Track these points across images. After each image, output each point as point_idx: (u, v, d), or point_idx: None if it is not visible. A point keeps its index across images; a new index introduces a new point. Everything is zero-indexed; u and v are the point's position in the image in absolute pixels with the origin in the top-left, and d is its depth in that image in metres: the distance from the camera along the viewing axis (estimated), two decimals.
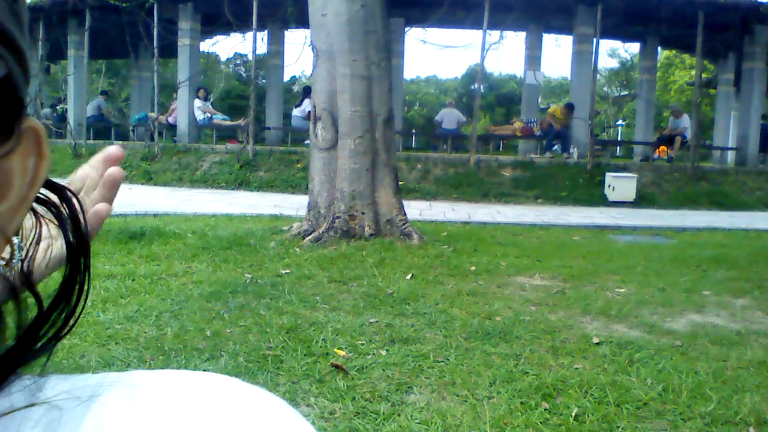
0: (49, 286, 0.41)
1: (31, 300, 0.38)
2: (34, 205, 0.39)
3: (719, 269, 5.77)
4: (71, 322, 0.39)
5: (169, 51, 14.86)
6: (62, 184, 0.41)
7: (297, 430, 0.36)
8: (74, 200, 0.41)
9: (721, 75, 16.87)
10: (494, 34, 13.61)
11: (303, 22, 7.49)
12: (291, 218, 7.86)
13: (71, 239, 0.41)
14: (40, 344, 0.38)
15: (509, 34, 15.80)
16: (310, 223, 6.76)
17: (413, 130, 23.42)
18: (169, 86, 18.44)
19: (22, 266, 0.40)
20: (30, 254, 0.41)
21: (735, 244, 7.44)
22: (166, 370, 0.38)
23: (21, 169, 0.33)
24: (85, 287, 0.41)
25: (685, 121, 14.15)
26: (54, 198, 0.41)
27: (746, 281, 5.29)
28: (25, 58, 0.32)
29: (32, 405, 0.34)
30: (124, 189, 11.26)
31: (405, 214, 6.74)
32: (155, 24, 12.80)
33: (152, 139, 13.70)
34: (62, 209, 0.41)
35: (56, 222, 0.41)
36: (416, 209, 9.21)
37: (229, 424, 0.34)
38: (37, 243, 0.41)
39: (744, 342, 3.65)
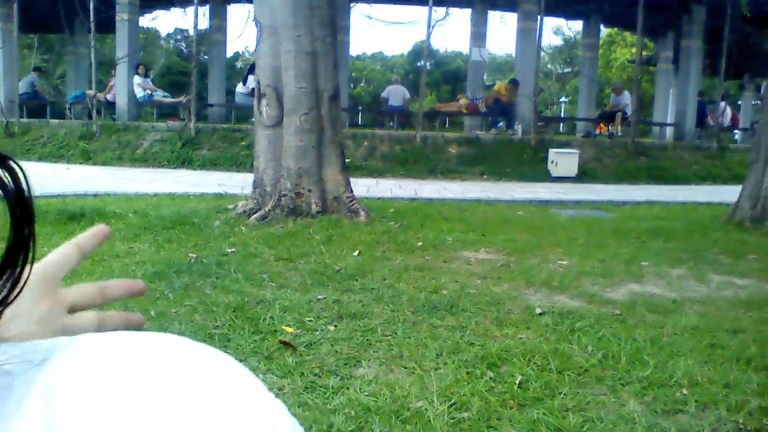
0: None
1: None
2: None
3: (657, 241, 5.97)
4: (16, 289, 0.39)
5: (106, 26, 14.34)
6: (4, 152, 0.40)
7: (243, 383, 0.36)
8: (16, 168, 0.40)
9: (661, 52, 17.31)
10: (440, 11, 13.59)
11: None
12: (236, 197, 7.76)
13: (15, 207, 0.40)
14: None
15: (455, 11, 15.79)
16: (255, 201, 6.69)
17: (359, 107, 23.32)
18: (107, 62, 17.88)
19: None
20: None
21: (672, 216, 7.70)
22: (115, 332, 0.38)
23: None
24: (30, 255, 0.40)
25: (626, 98, 14.50)
26: None
27: (683, 252, 5.49)
28: None
29: None
30: (62, 169, 10.94)
31: (352, 191, 6.73)
32: None
33: (90, 117, 13.27)
34: (4, 178, 0.40)
35: None
36: (363, 186, 9.21)
37: (177, 381, 0.35)
38: None
39: (679, 309, 3.79)
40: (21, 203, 0.40)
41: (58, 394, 0.33)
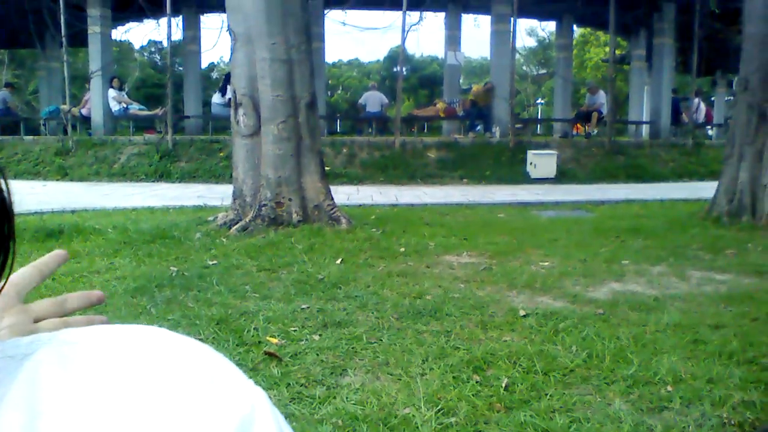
0: None
1: None
2: None
3: (637, 239, 6.02)
4: None
5: (79, 39, 14.21)
6: None
7: (222, 370, 0.37)
8: None
9: (634, 51, 17.51)
10: (414, 15, 13.65)
11: (219, 5, 7.32)
12: (216, 208, 7.72)
13: None
14: None
15: (429, 15, 15.88)
16: (236, 212, 6.66)
17: (337, 114, 23.33)
18: (80, 77, 17.69)
19: None
20: None
21: (651, 214, 7.78)
22: (95, 326, 0.39)
23: None
24: (10, 257, 0.41)
25: (601, 97, 14.63)
26: None
27: (662, 249, 5.54)
28: None
29: None
30: (38, 186, 10.80)
31: (332, 199, 6.72)
32: (62, 10, 12.20)
33: (65, 132, 13.12)
34: None
35: None
36: (344, 194, 9.20)
37: (157, 370, 0.35)
38: None
39: (661, 307, 3.83)
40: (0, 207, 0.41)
41: (42, 387, 0.34)
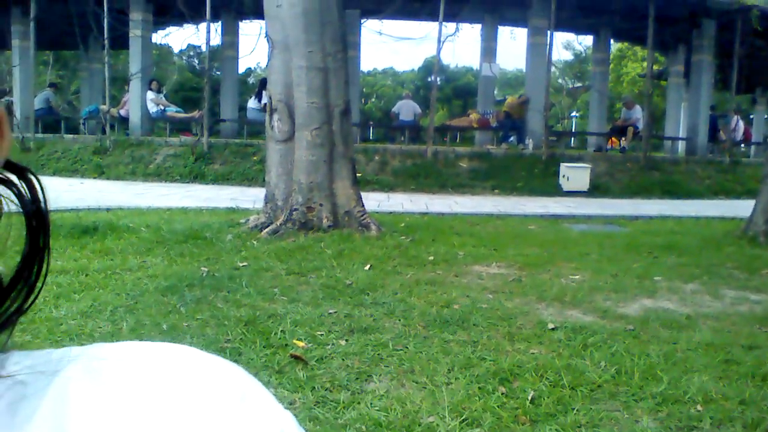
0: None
1: None
2: None
3: (670, 256, 5.93)
4: (31, 298, 0.40)
5: (120, 42, 14.51)
6: (22, 164, 0.41)
7: (253, 394, 0.37)
8: (34, 180, 0.42)
9: (672, 67, 17.27)
10: (450, 26, 13.66)
11: (258, 12, 7.41)
12: (248, 211, 7.79)
13: (31, 219, 0.41)
14: (1, 320, 0.38)
15: (465, 27, 15.86)
16: (267, 215, 6.71)
17: (370, 122, 23.42)
18: (120, 78, 18.04)
19: None
20: None
21: (685, 231, 7.65)
22: (127, 342, 0.39)
23: None
24: (45, 265, 0.41)
25: (637, 112, 14.46)
26: (14, 178, 0.41)
27: (696, 267, 5.45)
28: None
29: None
30: (75, 183, 11.02)
31: (363, 206, 6.74)
32: (105, 14, 12.47)
33: (104, 132, 13.39)
34: (22, 188, 0.41)
35: (16, 201, 0.41)
36: (374, 201, 9.22)
37: (188, 393, 0.35)
38: None
39: (693, 325, 3.76)
40: (37, 215, 0.41)
41: (70, 406, 0.34)
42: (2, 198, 0.41)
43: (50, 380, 0.35)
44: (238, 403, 0.36)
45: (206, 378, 0.36)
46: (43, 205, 0.41)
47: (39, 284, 0.41)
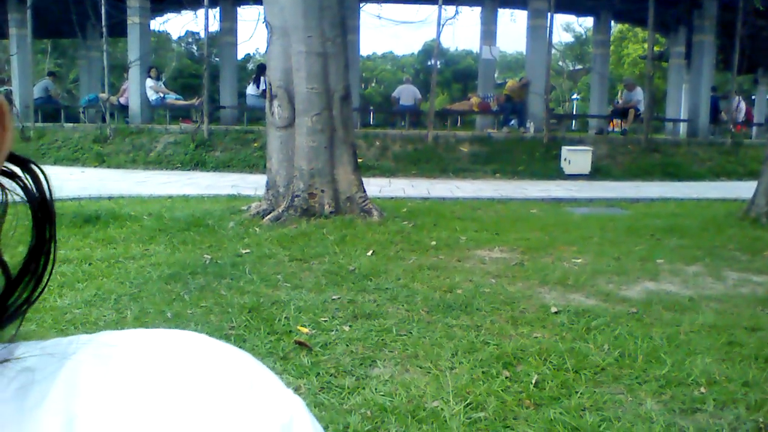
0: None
1: None
2: None
3: (672, 238, 5.93)
4: (39, 289, 0.40)
5: (118, 30, 14.44)
6: (26, 156, 0.41)
7: (262, 379, 0.37)
8: (38, 171, 0.42)
9: (673, 48, 17.18)
10: (450, 10, 13.57)
11: None
12: (249, 198, 7.79)
13: (37, 210, 0.42)
14: (9, 312, 0.38)
15: (464, 9, 15.74)
16: (269, 202, 6.71)
17: (371, 107, 23.33)
18: (119, 66, 17.96)
19: None
20: None
21: (687, 213, 7.65)
22: (135, 329, 0.39)
23: None
24: (51, 256, 0.41)
25: (638, 94, 14.40)
26: (17, 170, 0.41)
27: (698, 249, 5.45)
28: None
29: (6, 361, 0.35)
30: (76, 172, 11.02)
31: (365, 191, 6.74)
32: (103, 1, 12.40)
33: (104, 120, 13.36)
34: (27, 181, 0.41)
35: (22, 194, 0.41)
36: (376, 186, 9.21)
37: (197, 378, 0.35)
38: (4, 214, 0.41)
39: (696, 307, 3.77)
40: (43, 206, 0.41)
41: (80, 390, 0.34)
42: (7, 190, 0.41)
43: (60, 365, 0.35)
44: (248, 389, 0.36)
45: (215, 364, 0.37)
46: (48, 196, 0.41)
47: (46, 275, 0.41)
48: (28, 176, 0.41)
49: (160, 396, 0.34)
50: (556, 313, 3.60)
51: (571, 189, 10.17)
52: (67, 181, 9.48)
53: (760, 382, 2.61)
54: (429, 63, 35.14)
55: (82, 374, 0.35)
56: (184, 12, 17.19)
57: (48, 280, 0.41)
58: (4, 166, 0.39)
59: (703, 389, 2.57)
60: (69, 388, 0.34)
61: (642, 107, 14.02)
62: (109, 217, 6.15)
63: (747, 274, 4.66)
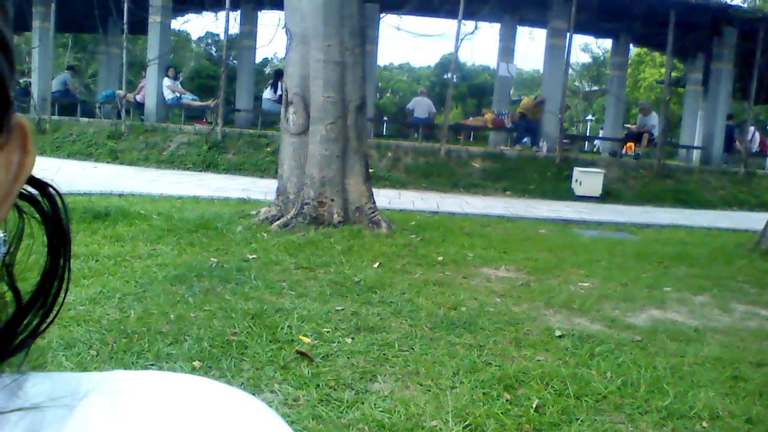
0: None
1: (9, 295, 0.38)
2: (17, 200, 0.39)
3: (680, 266, 5.89)
4: (49, 318, 0.39)
5: (139, 27, 14.56)
6: (45, 180, 0.40)
7: (271, 428, 0.37)
8: (56, 196, 0.41)
9: (690, 74, 17.13)
10: (469, 25, 13.64)
11: (277, 3, 7.41)
12: (259, 202, 7.81)
13: (52, 235, 0.41)
14: (18, 341, 0.38)
15: (484, 25, 15.83)
16: (278, 208, 6.72)
17: (385, 118, 23.38)
18: (138, 64, 18.10)
19: (4, 260, 0.40)
20: (12, 249, 0.40)
21: (697, 241, 7.60)
22: (147, 372, 0.38)
23: (6, 164, 0.33)
24: (65, 284, 0.40)
25: (654, 119, 14.36)
26: (36, 192, 0.41)
27: (706, 279, 5.41)
28: (12, 54, 0.32)
29: (18, 410, 0.34)
30: (89, 167, 11.08)
31: (374, 203, 6.74)
32: None
33: (119, 117, 13.45)
34: (43, 205, 0.40)
35: (38, 217, 0.41)
36: (385, 197, 9.21)
37: (210, 426, 0.35)
38: (20, 238, 0.40)
39: (701, 338, 3.74)
40: (58, 230, 0.40)
41: None
42: (25, 215, 0.41)
43: (70, 409, 0.35)
44: None
45: (228, 413, 0.36)
46: (64, 220, 0.41)
47: (57, 305, 0.40)
48: (46, 200, 0.41)
49: None
50: (560, 336, 3.58)
51: (581, 211, 10.13)
52: (79, 176, 9.53)
53: (764, 420, 2.58)
54: (445, 76, 35.18)
55: (93, 421, 0.34)
56: (205, 13, 17.30)
57: (60, 309, 0.40)
58: (24, 189, 0.38)
59: (705, 423, 2.54)
60: None
61: (656, 132, 13.98)
62: (119, 215, 6.17)
63: (755, 308, 4.62)
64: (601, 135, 19.99)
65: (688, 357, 3.34)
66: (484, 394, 2.71)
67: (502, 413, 2.53)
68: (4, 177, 0.33)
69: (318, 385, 2.70)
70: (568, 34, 13.24)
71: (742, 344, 3.70)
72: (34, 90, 15.02)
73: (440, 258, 5.48)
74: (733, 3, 14.31)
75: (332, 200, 6.47)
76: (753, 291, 5.16)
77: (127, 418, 0.34)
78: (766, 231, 7.06)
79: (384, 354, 3.13)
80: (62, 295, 0.40)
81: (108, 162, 12.24)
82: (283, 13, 7.04)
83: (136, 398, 0.36)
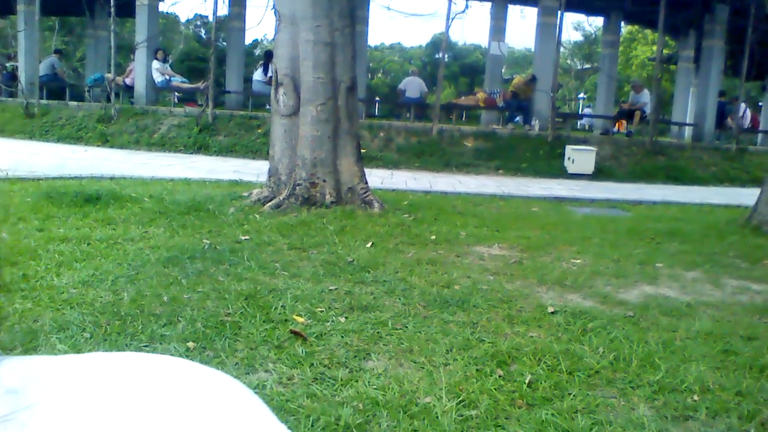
0: None
1: None
2: None
3: (672, 242, 5.92)
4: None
5: (126, 10, 14.38)
6: None
7: (253, 411, 0.37)
8: None
9: (682, 51, 17.12)
10: (460, 3, 13.57)
11: None
12: (251, 184, 7.78)
13: None
14: None
15: (474, 4, 15.74)
16: (270, 189, 6.70)
17: (376, 98, 23.29)
18: (126, 46, 17.94)
19: None
20: None
21: (688, 218, 7.63)
22: (123, 353, 0.38)
23: None
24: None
25: (645, 96, 14.37)
26: None
27: (698, 254, 5.44)
28: None
29: None
30: (79, 151, 11.01)
31: (366, 183, 6.73)
32: None
33: (109, 100, 13.34)
34: None
35: None
36: (378, 177, 9.20)
37: (187, 408, 0.35)
38: None
39: (693, 313, 3.76)
40: None
41: (66, 418, 0.33)
42: None
43: (45, 391, 0.34)
44: (237, 417, 0.35)
45: (202, 393, 0.36)
46: None
47: None
48: None
49: (148, 425, 0.33)
50: (552, 313, 3.60)
51: (573, 188, 10.15)
52: (70, 160, 9.48)
53: (754, 392, 2.61)
54: (437, 56, 35.02)
55: (69, 404, 0.34)
56: None
57: None
58: None
59: (696, 397, 2.56)
60: (55, 415, 0.33)
61: (648, 109, 13.98)
62: (110, 198, 6.14)
63: (746, 282, 4.65)
64: (591, 113, 19.97)
65: (680, 332, 3.36)
66: (477, 370, 2.73)
67: (495, 389, 2.54)
68: None
69: (312, 364, 2.71)
70: (559, 12, 13.18)
71: (733, 318, 3.72)
72: (22, 74, 14.88)
73: (433, 237, 5.49)
74: None
75: (324, 181, 6.45)
76: (744, 266, 5.19)
77: (104, 399, 0.34)
78: (758, 207, 7.09)
79: (378, 332, 3.14)
80: None
81: (98, 145, 12.16)
82: None
83: (110, 380, 0.35)
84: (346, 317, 3.33)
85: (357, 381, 2.57)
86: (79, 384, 0.35)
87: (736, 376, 2.78)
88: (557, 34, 13.38)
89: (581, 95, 35.09)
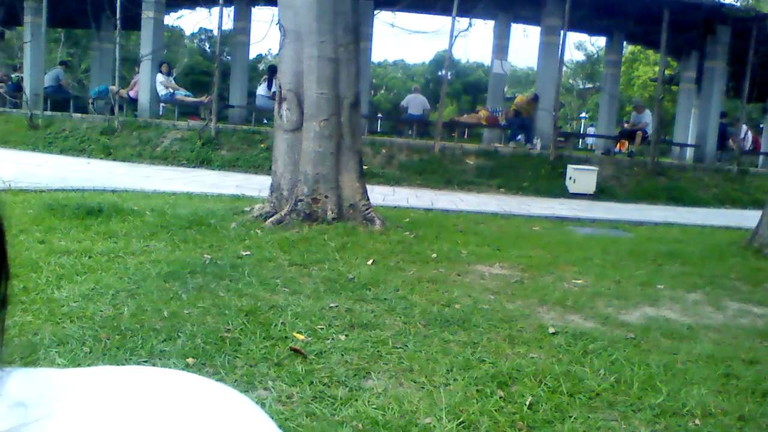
0: None
1: None
2: None
3: (674, 264, 5.90)
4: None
5: (132, 23, 14.50)
6: None
7: (262, 426, 0.37)
8: None
9: (684, 72, 17.19)
10: (463, 22, 13.60)
11: None
12: (253, 199, 7.79)
13: None
14: None
15: (478, 23, 15.82)
16: (272, 204, 6.70)
17: (379, 115, 23.37)
18: (131, 59, 18.02)
19: None
20: None
21: (690, 239, 7.62)
22: (131, 367, 0.38)
23: None
24: (4, 279, 0.39)
25: (647, 117, 14.41)
26: None
27: (699, 276, 5.42)
28: None
29: None
30: (82, 163, 11.03)
31: (368, 199, 6.73)
32: None
33: (112, 112, 13.40)
34: None
35: None
36: (380, 194, 9.21)
37: (197, 423, 0.35)
38: None
39: (694, 336, 3.75)
40: None
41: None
42: None
43: (54, 408, 0.34)
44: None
45: (209, 408, 0.36)
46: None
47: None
48: None
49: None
50: (553, 334, 3.58)
51: (574, 208, 10.15)
52: (73, 172, 9.50)
53: (756, 417, 2.59)
54: (439, 73, 35.21)
55: (76, 417, 0.34)
56: (198, 9, 17.24)
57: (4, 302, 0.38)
58: None
59: (697, 421, 2.55)
60: (66, 429, 0.33)
61: (650, 130, 14.02)
62: (112, 211, 6.14)
63: (747, 305, 4.64)
64: (594, 132, 20.02)
65: (681, 354, 3.35)
66: (477, 391, 2.71)
67: (495, 410, 2.53)
68: None
69: (312, 382, 2.70)
70: (562, 31, 13.25)
71: (734, 342, 3.71)
72: (27, 85, 14.95)
73: (434, 255, 5.48)
74: (727, 2, 14.36)
75: (326, 197, 6.45)
76: (745, 288, 5.17)
77: (110, 410, 0.34)
78: (759, 229, 7.09)
79: (378, 351, 3.13)
80: (2, 289, 0.38)
81: (101, 158, 12.19)
82: (276, 9, 7.01)
83: (119, 394, 0.35)
84: (346, 335, 3.32)
85: (356, 400, 2.55)
86: (89, 397, 0.35)
87: (738, 400, 2.76)
88: (560, 54, 13.45)
89: (583, 114, 35.20)
